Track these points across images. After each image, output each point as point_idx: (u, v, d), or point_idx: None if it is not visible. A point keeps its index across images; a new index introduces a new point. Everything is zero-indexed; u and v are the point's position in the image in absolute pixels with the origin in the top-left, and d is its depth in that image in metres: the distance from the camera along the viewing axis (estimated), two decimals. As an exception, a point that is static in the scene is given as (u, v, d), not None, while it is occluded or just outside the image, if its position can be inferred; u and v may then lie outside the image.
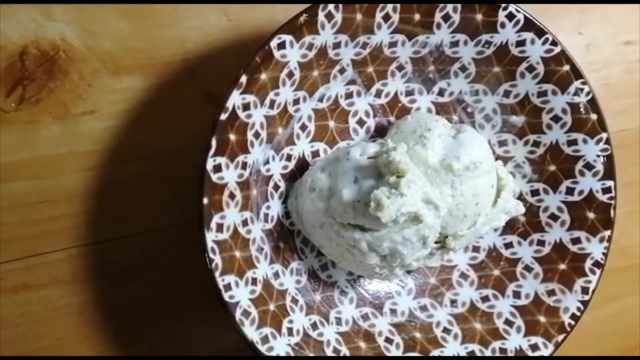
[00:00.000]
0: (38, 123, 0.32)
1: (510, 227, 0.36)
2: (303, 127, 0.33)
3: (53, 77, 0.32)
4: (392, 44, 0.33)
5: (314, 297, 0.33)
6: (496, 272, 0.36)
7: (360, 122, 0.35)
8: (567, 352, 0.41)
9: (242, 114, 0.29)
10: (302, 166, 0.34)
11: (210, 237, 0.28)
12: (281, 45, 0.29)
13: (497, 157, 0.36)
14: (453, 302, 0.36)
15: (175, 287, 0.34)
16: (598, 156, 0.34)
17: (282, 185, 0.33)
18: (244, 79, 0.28)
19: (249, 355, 0.29)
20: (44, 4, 0.32)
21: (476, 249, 0.37)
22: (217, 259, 0.28)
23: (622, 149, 0.42)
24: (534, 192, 0.36)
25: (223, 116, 0.28)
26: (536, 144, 0.36)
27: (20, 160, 0.32)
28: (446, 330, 0.35)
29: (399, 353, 0.33)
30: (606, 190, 0.34)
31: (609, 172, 0.34)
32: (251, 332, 0.29)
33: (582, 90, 0.34)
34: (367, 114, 0.35)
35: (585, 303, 0.34)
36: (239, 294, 0.29)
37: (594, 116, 0.34)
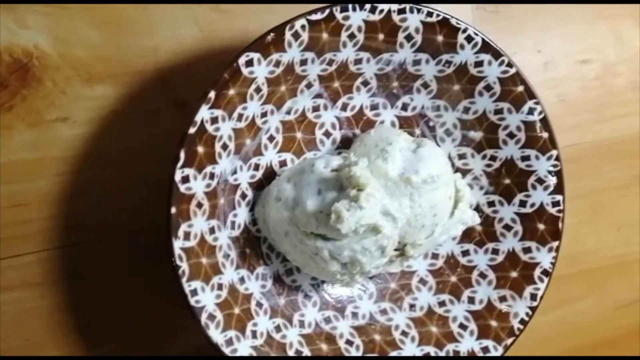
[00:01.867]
0: (11, 129, 0.33)
1: (467, 236, 0.38)
2: (271, 138, 0.35)
3: (26, 84, 0.33)
4: (358, 61, 0.34)
5: (278, 301, 0.35)
6: (453, 279, 0.38)
7: (327, 134, 0.36)
8: (520, 352, 0.44)
9: (210, 128, 0.30)
10: (270, 175, 0.35)
11: (178, 244, 0.29)
12: (249, 63, 0.30)
13: (457, 170, 0.38)
14: (412, 306, 0.37)
15: (144, 290, 0.35)
16: (549, 172, 0.36)
17: (250, 193, 0.34)
18: (212, 94, 0.29)
19: (222, 356, 0.30)
20: (18, 10, 0.32)
21: (435, 256, 0.39)
22: (184, 266, 0.30)
23: (576, 161, 0.44)
24: (490, 204, 0.38)
25: (192, 130, 0.29)
26: (493, 158, 0.38)
27: (-8, 165, 0.33)
28: (404, 333, 0.36)
29: (358, 354, 0.35)
30: (555, 204, 0.37)
31: (559, 187, 0.36)
32: (216, 335, 0.30)
33: (535, 109, 0.36)
34: (333, 126, 0.36)
35: (533, 309, 0.36)
36: (205, 298, 0.30)
37: (545, 134, 0.36)
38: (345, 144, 0.37)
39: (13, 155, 0.33)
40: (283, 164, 0.35)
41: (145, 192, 0.34)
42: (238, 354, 0.31)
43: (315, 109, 0.35)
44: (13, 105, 0.33)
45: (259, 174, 0.35)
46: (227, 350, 0.30)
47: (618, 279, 0.46)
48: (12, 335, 0.33)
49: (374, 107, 0.37)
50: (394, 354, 0.36)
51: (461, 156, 0.38)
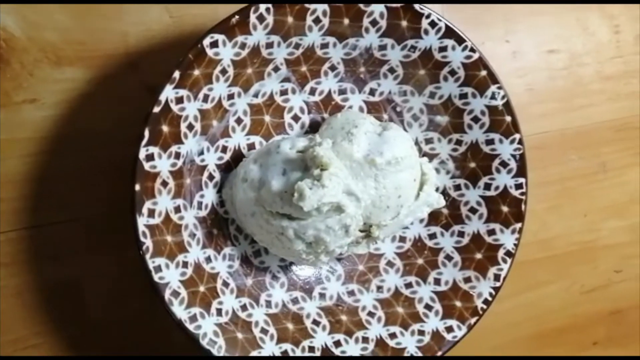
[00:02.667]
0: (-22, 110, 0.33)
1: (434, 219, 0.39)
2: (239, 121, 0.35)
3: (-6, 65, 0.33)
4: (324, 45, 0.35)
5: (245, 281, 0.35)
6: (420, 261, 0.39)
7: (295, 118, 0.37)
8: (486, 336, 0.45)
9: (175, 107, 0.30)
10: (238, 158, 0.36)
11: (142, 221, 0.30)
12: (214, 44, 0.31)
13: (424, 154, 0.39)
14: (379, 288, 0.38)
15: (113, 270, 0.35)
16: (512, 155, 0.37)
17: (217, 175, 0.35)
18: (177, 74, 0.30)
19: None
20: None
21: (403, 239, 0.39)
22: (148, 242, 0.30)
23: (543, 149, 0.45)
24: (456, 187, 0.39)
25: (156, 109, 0.30)
26: (459, 142, 0.38)
27: (-40, 146, 0.33)
28: (370, 314, 0.37)
29: (324, 334, 0.36)
30: (518, 186, 0.38)
31: (521, 170, 0.37)
32: (179, 311, 0.31)
33: (498, 94, 0.37)
34: (301, 111, 0.37)
35: (497, 289, 0.37)
36: (169, 275, 0.31)
37: (508, 118, 0.37)
38: (314, 128, 0.38)
39: (-19, 136, 0.33)
40: (251, 147, 0.36)
41: (114, 173, 0.35)
42: (201, 332, 0.31)
43: (284, 92, 0.36)
44: (-19, 87, 0.33)
45: (227, 156, 0.35)
46: (190, 327, 0.31)
47: (584, 264, 0.47)
48: (-21, 314, 0.34)
49: (342, 91, 0.37)
50: (360, 333, 0.36)
51: (428, 141, 0.39)
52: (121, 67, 0.35)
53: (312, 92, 0.37)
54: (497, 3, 0.43)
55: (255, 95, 0.35)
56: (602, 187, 0.47)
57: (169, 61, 0.36)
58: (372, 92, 0.38)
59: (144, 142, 0.29)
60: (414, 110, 0.38)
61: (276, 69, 0.35)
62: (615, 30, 0.46)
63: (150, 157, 0.30)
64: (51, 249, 0.35)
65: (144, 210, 0.30)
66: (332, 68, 0.36)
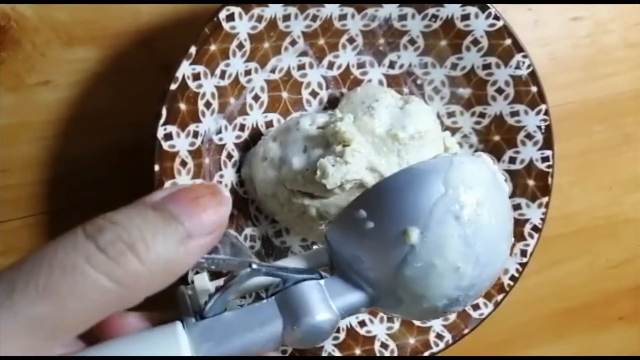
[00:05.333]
0: (-9, 93, 0.32)
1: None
2: (256, 98, 0.34)
3: (5, 47, 0.32)
4: (342, 17, 0.34)
5: (268, 261, 0.34)
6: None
7: (313, 94, 0.36)
8: (514, 314, 0.44)
9: (192, 84, 0.29)
10: (256, 136, 0.35)
11: (162, 203, 0.29)
12: (230, 17, 0.30)
13: (446, 128, 0.38)
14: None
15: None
16: (538, 127, 0.36)
17: (236, 154, 0.34)
18: (193, 49, 0.29)
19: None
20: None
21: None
22: (170, 224, 0.29)
23: (567, 120, 0.44)
24: (480, 162, 0.38)
25: (173, 86, 0.29)
26: (482, 115, 0.37)
27: (-27, 130, 0.32)
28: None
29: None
30: (545, 159, 0.36)
31: (548, 142, 0.36)
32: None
33: (523, 63, 0.35)
34: (319, 86, 0.36)
35: (523, 265, 0.37)
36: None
37: (534, 88, 0.36)
38: (332, 104, 0.36)
39: (-5, 120, 0.32)
40: (269, 124, 0.35)
41: (130, 155, 0.34)
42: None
43: (301, 67, 0.35)
44: (-8, 69, 0.32)
45: (245, 135, 0.34)
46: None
47: (609, 238, 0.46)
48: None
49: (360, 65, 0.36)
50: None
51: (450, 114, 0.38)
52: (133, 45, 0.34)
53: (330, 66, 0.36)
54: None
55: (272, 71, 0.34)
56: (625, 159, 0.46)
57: (181, 38, 0.35)
58: (391, 65, 0.37)
59: (161, 120, 0.28)
60: (435, 83, 0.37)
61: (293, 43, 0.33)
62: (642, -6, 0.45)
63: (168, 137, 0.29)
64: (70, 233, 0.34)
65: (164, 191, 0.29)
66: (351, 40, 0.35)
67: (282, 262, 0.23)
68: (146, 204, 0.17)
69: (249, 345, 0.19)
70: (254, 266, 0.20)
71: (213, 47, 0.30)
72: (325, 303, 0.21)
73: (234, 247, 0.21)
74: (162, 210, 0.17)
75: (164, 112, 0.29)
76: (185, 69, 0.29)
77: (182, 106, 0.29)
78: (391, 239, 0.21)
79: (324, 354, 0.33)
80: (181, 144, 0.30)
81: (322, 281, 0.22)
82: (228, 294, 0.20)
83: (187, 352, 0.18)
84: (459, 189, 0.21)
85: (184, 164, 0.30)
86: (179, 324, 0.19)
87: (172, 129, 0.29)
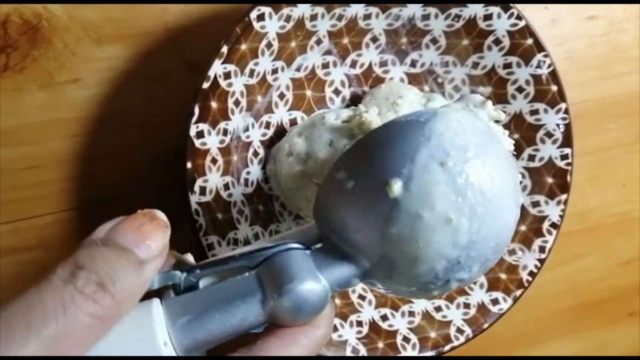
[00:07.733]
0: (23, 91, 0.33)
1: (476, 192, 0.39)
2: (281, 96, 0.35)
3: (37, 45, 0.33)
4: (367, 17, 0.34)
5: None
6: (462, 234, 0.39)
7: (336, 92, 0.37)
8: (528, 309, 0.45)
9: (223, 83, 0.30)
10: (281, 133, 0.35)
11: (194, 199, 0.30)
12: (260, 17, 0.30)
13: (465, 126, 0.38)
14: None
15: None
16: (557, 125, 0.37)
17: (262, 151, 0.35)
18: (225, 49, 0.29)
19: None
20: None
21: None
22: (201, 220, 0.30)
23: (582, 119, 0.45)
24: (499, 159, 0.38)
25: (205, 85, 0.29)
26: (501, 113, 0.38)
27: (5, 127, 0.33)
28: (415, 287, 0.37)
29: (371, 309, 0.36)
30: (564, 157, 0.37)
31: (567, 140, 0.37)
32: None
33: (544, 62, 0.36)
34: (342, 84, 0.37)
35: (542, 261, 0.37)
36: (222, 252, 0.31)
37: (554, 87, 0.36)
38: (354, 102, 0.37)
39: (26, 117, 0.33)
40: (293, 122, 0.36)
41: (158, 152, 0.35)
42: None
43: (325, 65, 0.35)
44: (24, 67, 0.33)
45: (270, 132, 0.35)
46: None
47: (621, 235, 0.47)
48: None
49: (382, 63, 0.37)
50: (405, 308, 0.36)
51: (470, 113, 0.38)
52: (160, 44, 0.35)
53: (353, 64, 0.36)
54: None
55: (298, 69, 0.35)
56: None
57: (208, 36, 0.35)
58: (413, 64, 0.37)
59: (194, 119, 0.29)
60: (456, 82, 0.38)
61: (319, 42, 0.34)
62: (658, -6, 0.45)
63: (200, 134, 0.30)
64: (99, 228, 0.35)
65: (196, 188, 0.30)
66: (374, 39, 0.36)
67: (266, 242, 0.21)
68: (96, 242, 0.18)
69: (228, 319, 0.19)
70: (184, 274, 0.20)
71: (243, 47, 0.30)
72: (311, 273, 0.19)
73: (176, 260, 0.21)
74: (112, 245, 0.18)
75: (197, 110, 0.29)
76: (216, 68, 0.29)
77: (214, 104, 0.30)
78: (373, 195, 0.19)
79: (348, 348, 0.34)
80: (212, 141, 0.30)
81: (308, 252, 0.20)
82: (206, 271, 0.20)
83: (161, 326, 0.18)
84: (444, 135, 0.19)
85: (214, 161, 0.31)
86: (156, 300, 0.19)
87: (204, 127, 0.30)
